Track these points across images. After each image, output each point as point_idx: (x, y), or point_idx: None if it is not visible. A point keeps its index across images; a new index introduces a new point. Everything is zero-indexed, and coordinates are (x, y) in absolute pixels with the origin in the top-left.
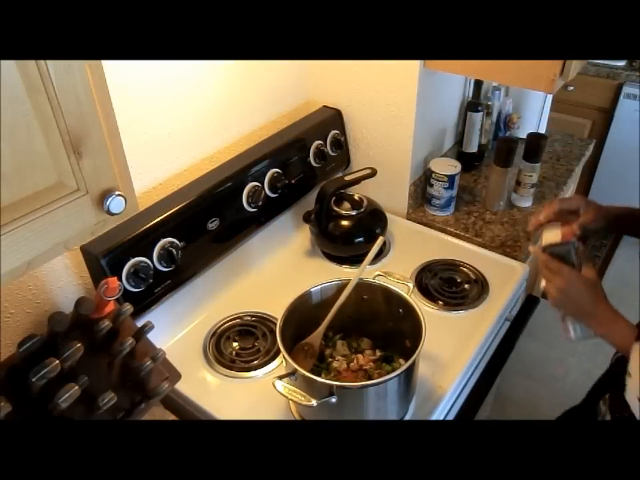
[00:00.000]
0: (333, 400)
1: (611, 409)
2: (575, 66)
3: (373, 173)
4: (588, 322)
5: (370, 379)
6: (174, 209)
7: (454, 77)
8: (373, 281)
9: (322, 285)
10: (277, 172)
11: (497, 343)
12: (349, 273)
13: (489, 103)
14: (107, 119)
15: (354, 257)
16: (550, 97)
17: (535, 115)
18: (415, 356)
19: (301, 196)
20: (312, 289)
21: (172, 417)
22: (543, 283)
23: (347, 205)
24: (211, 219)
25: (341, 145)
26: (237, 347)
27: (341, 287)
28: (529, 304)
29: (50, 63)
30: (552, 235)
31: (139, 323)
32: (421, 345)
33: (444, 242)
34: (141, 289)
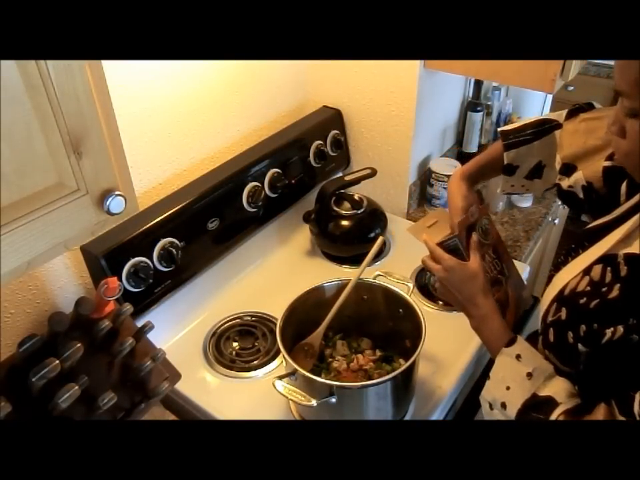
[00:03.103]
0: (333, 400)
1: None
2: (575, 66)
3: (373, 173)
4: (465, 314)
5: (370, 379)
6: (174, 209)
7: (454, 77)
8: (373, 281)
9: (322, 285)
10: (276, 172)
11: None
12: (349, 273)
13: (489, 103)
14: (107, 119)
15: (354, 256)
16: (550, 97)
17: (534, 115)
18: (414, 356)
19: (301, 196)
20: (312, 289)
21: (172, 417)
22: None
23: (347, 204)
24: (210, 219)
25: (341, 144)
26: (237, 347)
27: (341, 287)
28: None
29: (50, 63)
30: (438, 231)
31: (139, 323)
32: (420, 345)
33: None
34: (141, 289)
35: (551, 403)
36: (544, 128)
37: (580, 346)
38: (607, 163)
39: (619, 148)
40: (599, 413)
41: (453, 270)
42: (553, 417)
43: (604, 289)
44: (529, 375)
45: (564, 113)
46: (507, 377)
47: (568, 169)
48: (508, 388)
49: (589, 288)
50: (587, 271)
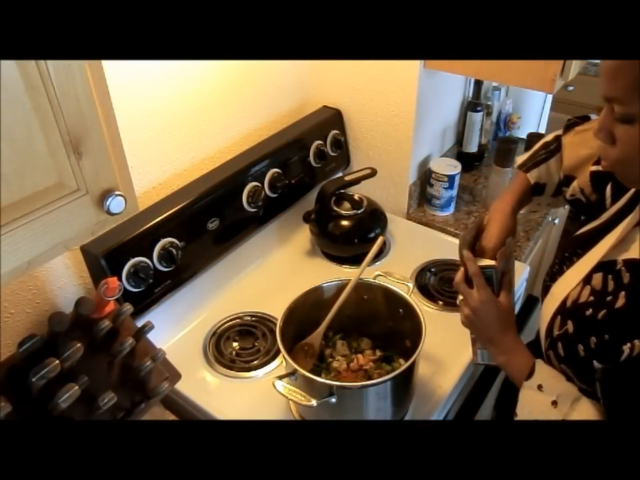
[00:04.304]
0: (333, 400)
1: None
2: (575, 66)
3: (373, 173)
4: (490, 348)
5: (370, 379)
6: (174, 209)
7: (454, 77)
8: (373, 281)
9: (322, 285)
10: (276, 172)
11: None
12: (349, 273)
13: (489, 103)
14: (107, 119)
15: (354, 256)
16: (550, 97)
17: (535, 115)
18: (414, 356)
19: (301, 196)
20: (312, 289)
21: (172, 417)
22: (460, 297)
23: (347, 204)
24: (211, 219)
25: (341, 145)
26: (237, 347)
27: (341, 287)
28: (529, 304)
29: (50, 63)
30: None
31: (139, 323)
32: (420, 345)
33: (444, 242)
34: (141, 289)
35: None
36: (553, 147)
37: (595, 362)
38: (594, 168)
39: (608, 155)
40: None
41: (489, 304)
42: None
43: (609, 298)
44: (554, 403)
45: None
46: (533, 410)
47: (568, 180)
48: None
49: (592, 298)
50: (586, 280)
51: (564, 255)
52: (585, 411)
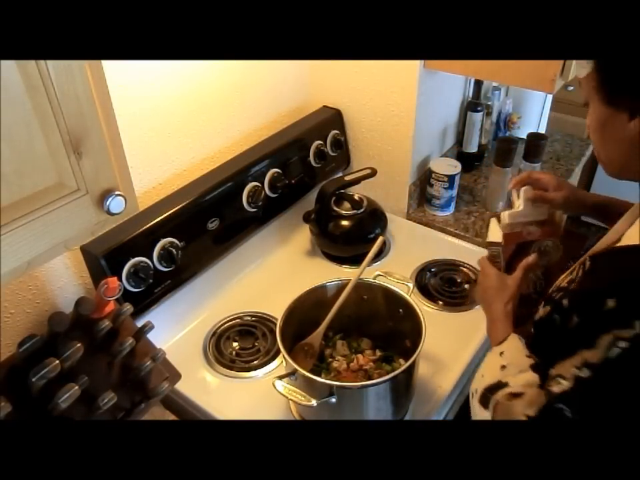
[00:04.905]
0: (333, 400)
1: None
2: (575, 66)
3: (373, 173)
4: (485, 313)
5: (370, 379)
6: (174, 209)
7: (454, 77)
8: (373, 281)
9: (322, 285)
10: (276, 172)
11: None
12: (349, 273)
13: (489, 103)
14: (107, 119)
15: (354, 257)
16: (550, 97)
17: (535, 115)
18: (414, 356)
19: (301, 196)
20: (312, 289)
21: (172, 417)
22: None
23: (347, 204)
24: (211, 219)
25: (341, 145)
26: (237, 347)
27: (341, 287)
28: None
29: (50, 63)
30: (495, 232)
31: (139, 323)
32: (420, 345)
33: (444, 242)
34: (141, 289)
35: (502, 386)
36: None
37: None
38: None
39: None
40: (529, 394)
41: (489, 276)
42: (497, 396)
43: (573, 284)
44: (503, 367)
45: None
46: (486, 371)
47: None
48: (482, 376)
49: (565, 284)
50: (570, 272)
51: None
52: (518, 379)
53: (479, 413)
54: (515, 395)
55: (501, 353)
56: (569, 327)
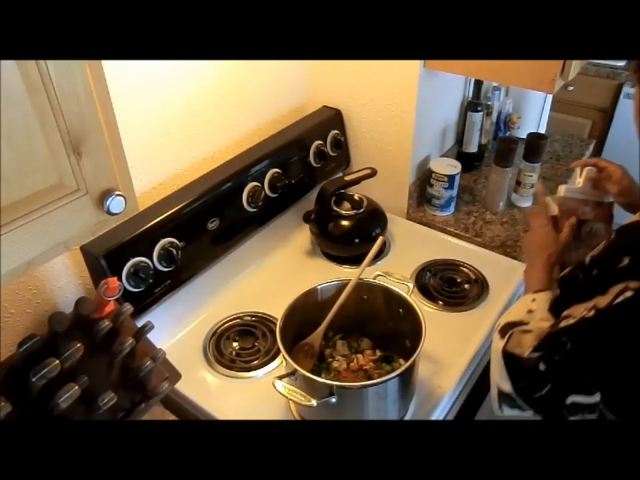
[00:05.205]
0: (333, 400)
1: None
2: (575, 66)
3: (373, 173)
4: (527, 260)
5: (370, 379)
6: (174, 209)
7: (454, 77)
8: (373, 281)
9: (322, 285)
10: (276, 172)
11: None
12: (349, 273)
13: (489, 103)
14: (107, 119)
15: (354, 257)
16: (550, 97)
17: (535, 115)
18: (414, 356)
19: (301, 196)
20: (312, 289)
21: (172, 417)
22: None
23: (347, 204)
24: (211, 219)
25: (341, 145)
26: (237, 347)
27: (341, 287)
28: None
29: (50, 62)
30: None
31: (139, 323)
32: (420, 345)
33: (444, 242)
34: (141, 289)
35: (522, 324)
36: None
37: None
38: None
39: None
40: (540, 329)
41: (540, 229)
42: (514, 329)
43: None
44: (530, 311)
45: None
46: (514, 309)
47: None
48: (509, 312)
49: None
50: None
51: None
52: (539, 325)
53: (496, 343)
54: (529, 332)
55: (533, 300)
56: (589, 279)
